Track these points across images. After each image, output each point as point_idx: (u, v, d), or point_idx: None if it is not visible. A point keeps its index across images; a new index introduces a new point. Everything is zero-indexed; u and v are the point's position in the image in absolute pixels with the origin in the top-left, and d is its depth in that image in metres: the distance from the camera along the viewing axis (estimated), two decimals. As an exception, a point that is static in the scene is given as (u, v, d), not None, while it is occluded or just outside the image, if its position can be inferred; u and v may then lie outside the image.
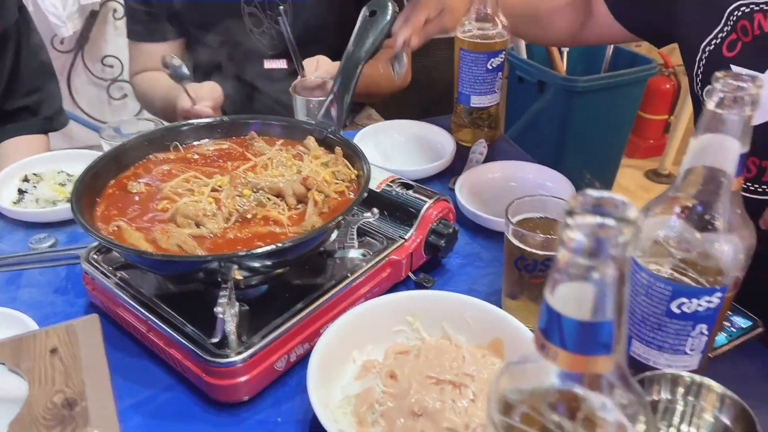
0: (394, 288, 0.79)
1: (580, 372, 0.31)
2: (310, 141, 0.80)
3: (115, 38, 2.39)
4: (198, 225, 0.64)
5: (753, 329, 0.68)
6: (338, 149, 0.76)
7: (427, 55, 1.78)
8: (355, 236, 0.76)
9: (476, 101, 1.14)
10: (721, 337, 0.66)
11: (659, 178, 2.73)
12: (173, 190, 0.70)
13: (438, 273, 0.83)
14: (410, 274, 0.79)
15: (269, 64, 1.36)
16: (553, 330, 0.31)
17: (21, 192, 0.90)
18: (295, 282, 0.71)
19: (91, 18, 2.29)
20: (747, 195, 0.76)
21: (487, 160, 1.09)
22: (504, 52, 1.11)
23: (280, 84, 1.35)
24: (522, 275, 0.70)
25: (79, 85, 2.40)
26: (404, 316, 0.67)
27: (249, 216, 0.66)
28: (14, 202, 0.90)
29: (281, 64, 1.36)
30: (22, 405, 0.47)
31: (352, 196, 0.73)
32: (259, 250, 0.58)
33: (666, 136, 2.79)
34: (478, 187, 1.00)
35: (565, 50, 2.34)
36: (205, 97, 1.05)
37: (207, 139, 0.82)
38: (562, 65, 2.33)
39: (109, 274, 0.70)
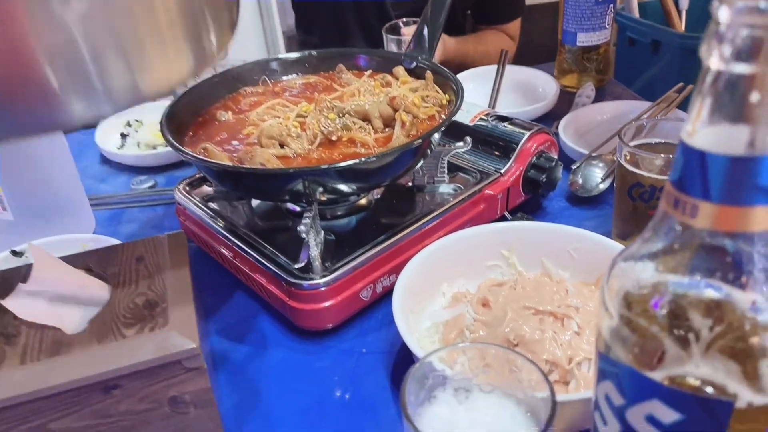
0: (488, 227, 0.73)
1: (729, 230, 0.24)
2: (399, 70, 0.76)
3: None
4: (282, 145, 0.62)
5: None
6: (429, 74, 0.71)
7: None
8: (446, 170, 0.71)
9: (584, 39, 1.05)
10: None
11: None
12: (259, 117, 0.68)
13: (538, 215, 0.76)
14: (506, 214, 0.73)
15: None
16: (692, 177, 0.24)
17: (123, 136, 0.93)
18: (383, 217, 0.68)
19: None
20: None
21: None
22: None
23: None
24: (636, 206, 0.62)
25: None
26: (499, 249, 0.61)
27: (334, 138, 0.62)
28: (118, 147, 0.93)
29: None
30: (104, 305, 0.47)
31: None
32: (342, 164, 0.54)
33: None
34: (586, 129, 0.91)
35: (684, 8, 2.10)
36: None
37: (295, 74, 0.80)
38: (680, 23, 2.10)
39: (200, 205, 0.70)
